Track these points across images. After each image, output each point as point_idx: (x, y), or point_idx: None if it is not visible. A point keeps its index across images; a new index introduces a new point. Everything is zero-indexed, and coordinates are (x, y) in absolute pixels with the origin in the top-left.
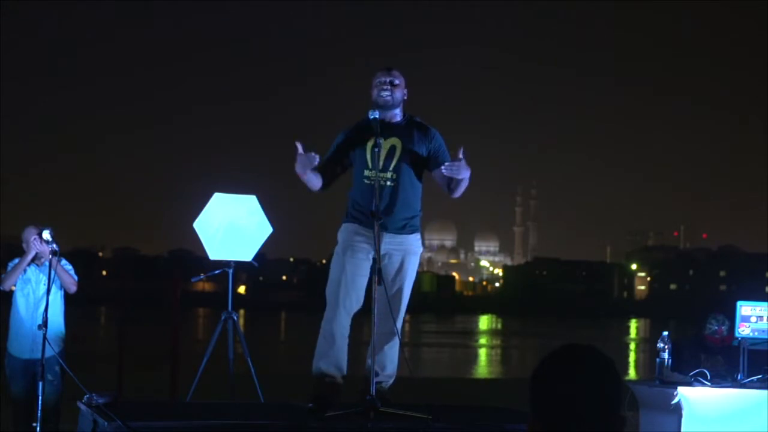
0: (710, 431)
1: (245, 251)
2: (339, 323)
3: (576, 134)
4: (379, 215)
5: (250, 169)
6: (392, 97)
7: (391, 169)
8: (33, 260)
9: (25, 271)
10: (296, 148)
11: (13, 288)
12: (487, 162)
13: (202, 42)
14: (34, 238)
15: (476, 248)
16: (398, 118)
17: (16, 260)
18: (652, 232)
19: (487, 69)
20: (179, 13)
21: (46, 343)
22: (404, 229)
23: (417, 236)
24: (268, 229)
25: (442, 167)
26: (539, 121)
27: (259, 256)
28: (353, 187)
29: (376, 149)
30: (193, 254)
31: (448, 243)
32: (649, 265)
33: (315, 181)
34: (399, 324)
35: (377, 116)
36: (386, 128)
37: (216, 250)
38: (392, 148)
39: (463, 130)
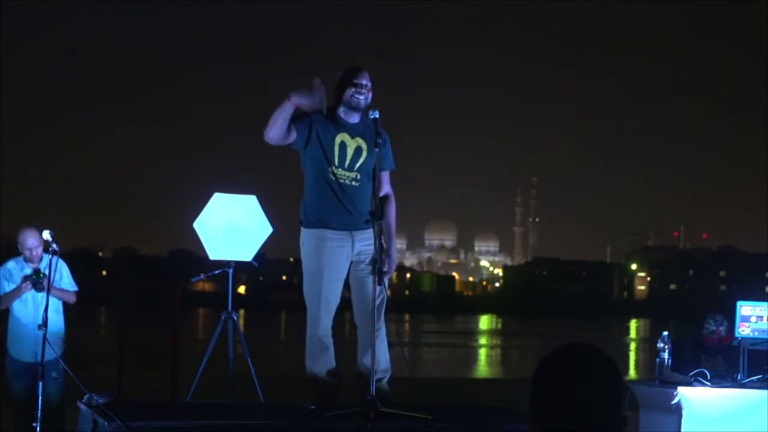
0: (710, 431)
1: (245, 251)
2: (323, 327)
3: (576, 134)
4: (379, 215)
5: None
6: (367, 100)
7: (356, 169)
8: (29, 261)
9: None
10: (315, 82)
11: None
12: (487, 162)
13: (202, 42)
14: (26, 285)
15: (476, 248)
16: (358, 120)
17: (8, 264)
18: (652, 232)
19: (487, 69)
20: (179, 12)
21: (49, 345)
22: (368, 225)
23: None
24: (268, 229)
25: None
26: (539, 121)
27: (259, 256)
28: (312, 188)
29: (377, 149)
30: (193, 254)
31: (448, 243)
32: (649, 265)
33: (288, 131)
34: (383, 318)
35: (377, 116)
36: (350, 128)
37: (216, 250)
38: (358, 149)
39: (463, 130)
